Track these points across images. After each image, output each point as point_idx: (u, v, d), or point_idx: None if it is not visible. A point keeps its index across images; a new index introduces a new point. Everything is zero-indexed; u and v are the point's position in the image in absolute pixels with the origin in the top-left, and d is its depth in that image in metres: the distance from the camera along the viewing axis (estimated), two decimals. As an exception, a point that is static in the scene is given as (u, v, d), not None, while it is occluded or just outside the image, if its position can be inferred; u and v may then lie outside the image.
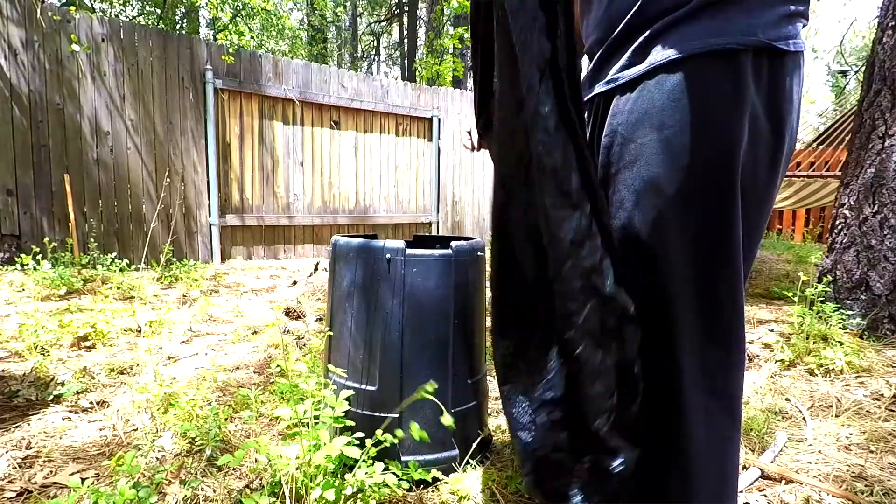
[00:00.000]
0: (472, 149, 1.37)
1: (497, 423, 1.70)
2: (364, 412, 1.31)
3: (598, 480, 0.79)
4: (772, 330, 2.83)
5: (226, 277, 4.38)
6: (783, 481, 1.36)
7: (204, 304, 3.23)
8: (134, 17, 11.69)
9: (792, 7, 0.75)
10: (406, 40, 16.67)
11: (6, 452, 1.42)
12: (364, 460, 1.13)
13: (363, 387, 1.33)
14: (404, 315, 1.30)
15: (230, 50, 5.13)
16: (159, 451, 1.43)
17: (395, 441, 1.18)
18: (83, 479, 1.09)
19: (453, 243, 1.36)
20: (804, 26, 0.79)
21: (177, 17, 12.12)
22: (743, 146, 0.74)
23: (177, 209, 4.90)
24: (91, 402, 1.76)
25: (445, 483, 1.31)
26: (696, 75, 0.74)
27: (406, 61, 16.31)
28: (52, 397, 1.77)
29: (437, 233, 6.86)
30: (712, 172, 0.74)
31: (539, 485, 0.86)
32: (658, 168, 0.76)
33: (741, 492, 1.31)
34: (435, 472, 1.29)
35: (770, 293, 3.90)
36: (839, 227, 2.88)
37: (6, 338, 2.37)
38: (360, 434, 1.23)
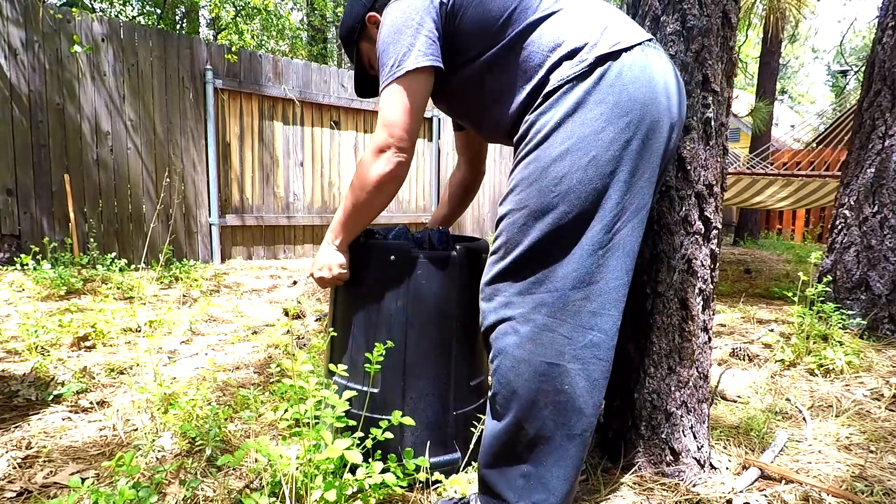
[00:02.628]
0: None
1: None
2: (366, 413, 1.31)
3: None
4: (772, 330, 2.83)
5: (226, 277, 4.38)
6: (783, 481, 1.36)
7: (204, 304, 3.23)
8: (134, 18, 11.68)
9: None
10: (406, 40, 16.62)
11: (6, 452, 1.42)
12: (368, 463, 1.13)
13: (365, 388, 1.32)
14: (407, 316, 1.30)
15: (231, 49, 5.13)
16: (159, 451, 1.43)
17: (393, 439, 1.17)
18: (83, 479, 1.09)
19: (457, 244, 1.36)
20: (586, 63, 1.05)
21: (177, 17, 12.11)
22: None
23: (176, 209, 4.91)
24: (91, 402, 1.75)
25: (447, 485, 1.31)
26: None
27: (406, 61, 16.26)
28: (52, 397, 1.77)
29: (437, 233, 6.85)
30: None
31: None
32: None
33: (741, 491, 1.31)
34: (436, 475, 1.29)
35: (770, 293, 3.91)
36: (839, 227, 2.89)
37: (6, 338, 2.37)
38: (360, 435, 1.23)
